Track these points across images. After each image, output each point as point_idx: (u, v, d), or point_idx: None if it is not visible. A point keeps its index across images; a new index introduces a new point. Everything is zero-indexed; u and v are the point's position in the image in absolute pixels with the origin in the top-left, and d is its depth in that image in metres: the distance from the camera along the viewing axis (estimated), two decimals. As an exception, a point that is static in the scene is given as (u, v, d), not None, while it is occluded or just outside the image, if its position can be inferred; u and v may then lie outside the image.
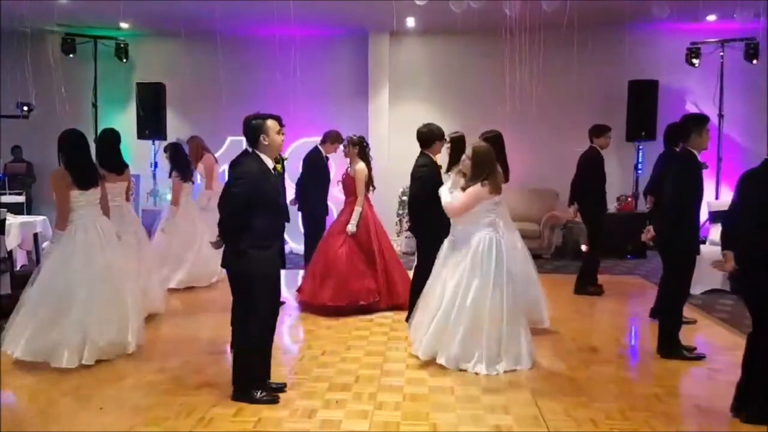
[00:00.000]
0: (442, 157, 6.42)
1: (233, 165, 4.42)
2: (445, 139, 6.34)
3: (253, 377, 4.42)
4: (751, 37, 9.92)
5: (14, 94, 9.74)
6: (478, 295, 4.97)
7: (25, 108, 9.85)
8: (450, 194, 5.21)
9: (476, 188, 5.04)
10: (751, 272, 4.05)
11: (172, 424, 4.08)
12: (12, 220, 7.74)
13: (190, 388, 4.65)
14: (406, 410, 4.30)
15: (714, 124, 10.31)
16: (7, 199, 9.49)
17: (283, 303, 7.15)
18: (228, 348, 5.35)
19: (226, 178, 4.52)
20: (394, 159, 10.23)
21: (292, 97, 10.50)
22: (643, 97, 10.29)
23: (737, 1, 8.38)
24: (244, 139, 4.48)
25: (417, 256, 6.39)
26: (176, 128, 11.03)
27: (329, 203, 8.68)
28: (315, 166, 8.09)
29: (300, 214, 8.23)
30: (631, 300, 7.54)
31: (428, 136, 6.21)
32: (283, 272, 8.43)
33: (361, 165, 6.94)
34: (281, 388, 4.61)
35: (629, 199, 10.52)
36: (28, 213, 9.54)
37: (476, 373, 4.93)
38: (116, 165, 6.24)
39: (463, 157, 5.25)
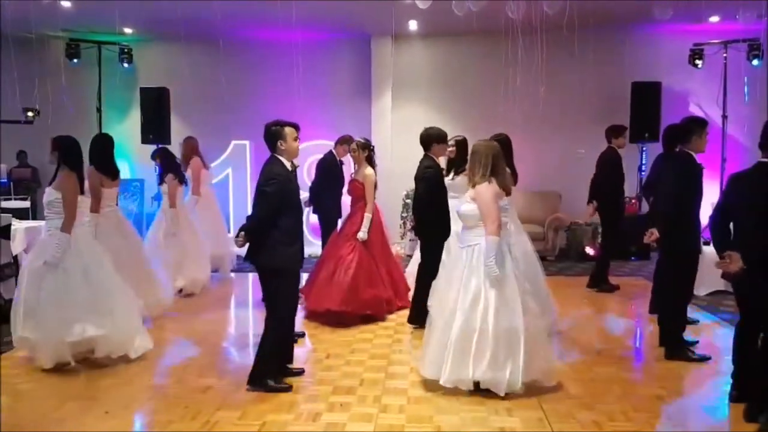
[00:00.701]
0: (443, 160, 6.43)
1: (264, 167, 4.70)
2: (446, 142, 6.35)
3: (272, 366, 4.71)
4: (754, 38, 9.90)
5: (19, 99, 9.78)
6: (499, 310, 4.48)
7: (30, 113, 9.91)
8: (467, 206, 4.74)
9: (485, 188, 4.65)
10: (750, 272, 4.05)
11: (176, 428, 4.09)
12: (17, 225, 7.77)
13: (194, 391, 4.67)
14: (410, 413, 4.31)
15: (718, 125, 10.32)
16: (13, 204, 9.53)
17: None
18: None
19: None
20: (397, 161, 10.25)
21: (295, 101, 10.55)
22: (646, 99, 10.27)
23: (740, 2, 8.37)
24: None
25: (421, 257, 6.39)
26: (180, 132, 11.05)
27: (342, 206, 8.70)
28: (329, 170, 8.14)
29: (316, 216, 8.28)
30: (634, 301, 7.53)
31: (425, 139, 6.29)
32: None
33: (370, 170, 6.81)
34: (300, 372, 5.00)
35: (633, 201, 10.51)
36: (33, 218, 9.57)
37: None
38: (113, 170, 6.31)
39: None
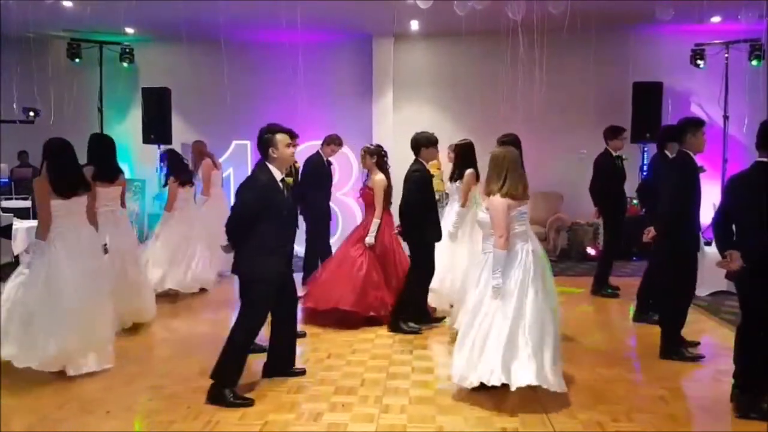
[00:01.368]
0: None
1: (251, 173, 4.67)
2: (435, 147, 6.34)
3: (232, 376, 4.52)
4: (755, 38, 9.89)
5: (20, 99, 9.79)
6: (535, 313, 4.44)
7: (31, 113, 9.93)
8: (483, 214, 4.72)
9: (497, 200, 4.55)
10: (751, 273, 4.06)
11: (178, 428, 4.09)
12: (18, 225, 7.79)
13: (196, 391, 4.65)
14: (412, 413, 4.30)
15: (719, 125, 10.32)
16: (14, 204, 9.54)
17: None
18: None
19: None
20: (399, 162, 10.11)
21: (297, 102, 10.55)
22: (647, 99, 10.25)
23: (741, 2, 8.37)
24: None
25: (411, 263, 6.37)
26: (181, 133, 11.07)
27: (332, 206, 8.69)
28: (315, 170, 8.13)
29: (302, 217, 8.25)
30: (636, 302, 7.50)
31: (413, 144, 6.34)
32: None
33: (380, 176, 6.68)
34: (302, 372, 5.04)
35: (635, 202, 10.49)
36: (34, 218, 9.57)
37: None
38: (110, 171, 6.18)
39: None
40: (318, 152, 8.29)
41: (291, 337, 5.07)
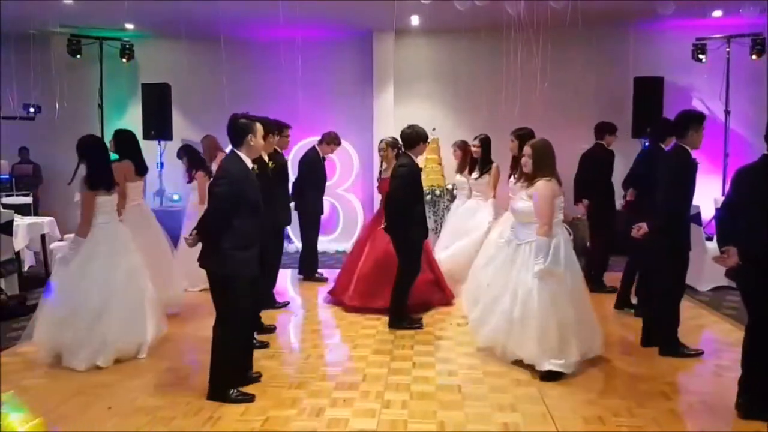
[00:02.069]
0: (422, 158, 6.42)
1: (221, 163, 4.53)
2: (426, 142, 6.34)
3: (230, 377, 4.48)
4: (757, 32, 9.87)
5: (20, 95, 9.79)
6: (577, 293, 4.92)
7: (32, 109, 9.93)
8: (523, 203, 4.91)
9: (544, 186, 4.77)
10: (753, 268, 4.01)
11: (179, 424, 4.10)
12: (19, 222, 7.78)
13: (197, 387, 4.66)
14: (413, 408, 4.31)
15: (721, 120, 10.29)
16: (14, 200, 9.54)
17: (287, 303, 7.18)
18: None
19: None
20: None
21: (297, 98, 10.53)
22: (648, 94, 10.22)
23: (743, -4, 8.35)
24: None
25: (398, 258, 6.26)
26: (182, 129, 11.07)
27: (325, 202, 8.74)
28: (311, 167, 8.17)
29: (297, 213, 8.29)
30: (635, 297, 7.50)
31: (413, 137, 6.21)
32: (286, 272, 8.57)
33: None
34: (258, 378, 4.80)
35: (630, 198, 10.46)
36: (35, 214, 9.58)
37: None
38: (144, 166, 6.35)
39: (524, 158, 5.05)
40: (314, 149, 8.32)
41: (248, 340, 4.90)
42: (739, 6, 8.70)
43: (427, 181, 9.57)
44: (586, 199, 7.63)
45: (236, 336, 4.49)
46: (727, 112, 10.28)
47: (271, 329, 6.09)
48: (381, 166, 7.03)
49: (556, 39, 9.19)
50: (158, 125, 10.66)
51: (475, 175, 7.47)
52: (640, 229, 5.43)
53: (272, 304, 6.88)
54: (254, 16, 9.73)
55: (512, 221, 5.44)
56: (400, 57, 11.25)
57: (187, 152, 7.98)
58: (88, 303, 5.04)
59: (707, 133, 5.45)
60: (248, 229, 4.35)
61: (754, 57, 9.99)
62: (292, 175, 8.26)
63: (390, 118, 11.05)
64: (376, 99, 11.16)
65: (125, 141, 6.28)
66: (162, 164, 11.04)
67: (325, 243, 10.81)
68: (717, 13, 9.92)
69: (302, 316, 6.88)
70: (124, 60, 11.10)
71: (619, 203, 7.71)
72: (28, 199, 9.98)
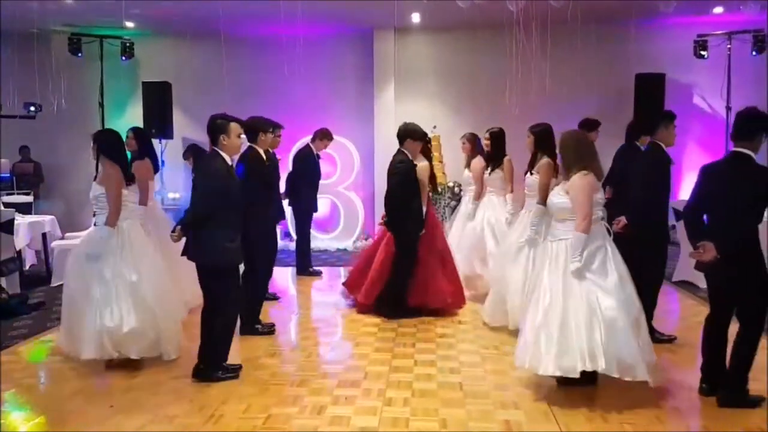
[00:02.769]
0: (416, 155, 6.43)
1: (203, 162, 4.72)
2: (422, 140, 6.34)
3: (220, 360, 4.79)
4: (758, 29, 9.86)
5: (21, 94, 9.78)
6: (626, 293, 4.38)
7: (32, 108, 9.92)
8: (559, 198, 4.58)
9: (580, 180, 4.40)
10: (724, 264, 4.03)
11: (182, 421, 4.09)
12: (20, 220, 7.78)
13: (199, 385, 4.66)
14: (415, 406, 4.30)
15: (722, 116, 10.28)
16: (15, 198, 9.54)
17: (278, 298, 7.20)
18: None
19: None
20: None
21: (297, 96, 10.53)
22: (650, 91, 10.22)
23: (744, -7, 8.34)
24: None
25: (396, 253, 6.34)
26: (182, 127, 11.06)
27: (326, 200, 8.78)
28: (305, 163, 8.22)
29: (291, 209, 8.33)
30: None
31: (400, 134, 6.36)
32: (281, 269, 8.56)
33: (424, 163, 6.59)
34: (236, 369, 4.91)
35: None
36: (36, 213, 9.58)
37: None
38: (156, 164, 6.43)
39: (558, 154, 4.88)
40: (308, 146, 8.35)
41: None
42: (740, 3, 8.69)
43: (427, 179, 9.52)
44: None
45: (232, 323, 4.85)
46: (728, 109, 10.26)
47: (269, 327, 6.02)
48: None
49: (558, 36, 9.17)
50: (159, 124, 10.66)
51: (488, 170, 7.36)
52: (620, 222, 5.43)
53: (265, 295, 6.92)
54: (255, 14, 9.72)
55: (533, 219, 5.56)
56: (401, 54, 11.23)
57: (193, 152, 7.97)
58: (103, 295, 4.88)
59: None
60: (233, 223, 4.62)
61: (755, 53, 9.98)
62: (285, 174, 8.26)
63: (391, 116, 11.03)
64: (376, 97, 11.15)
65: (146, 139, 6.34)
66: (163, 162, 11.02)
67: (326, 241, 10.83)
68: (718, 10, 9.92)
69: (302, 314, 6.88)
70: (124, 58, 11.08)
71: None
72: (29, 198, 9.99)
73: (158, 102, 10.73)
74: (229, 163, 4.69)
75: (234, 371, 4.83)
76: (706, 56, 10.33)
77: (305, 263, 8.64)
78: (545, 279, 4.44)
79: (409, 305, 6.44)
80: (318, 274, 8.58)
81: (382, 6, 9.38)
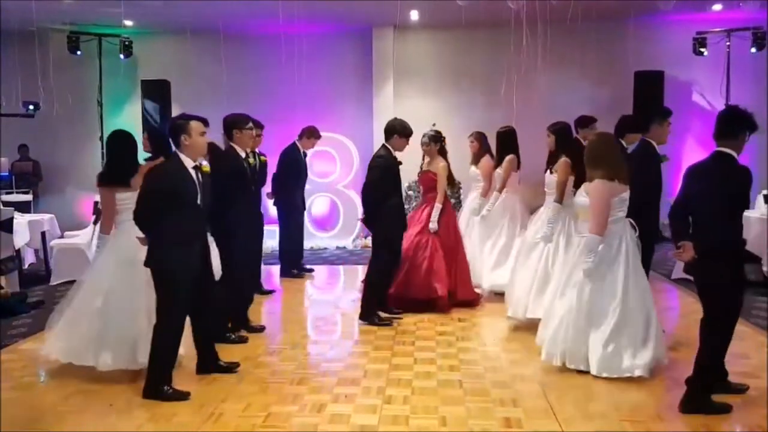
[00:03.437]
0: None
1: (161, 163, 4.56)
2: (407, 138, 6.27)
3: (164, 374, 4.42)
4: (757, 26, 9.85)
5: (20, 93, 9.77)
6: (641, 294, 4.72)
7: (31, 107, 9.91)
8: (582, 198, 4.79)
9: (599, 185, 4.61)
10: (710, 264, 4.01)
11: (181, 420, 4.09)
12: (19, 219, 7.78)
13: (199, 383, 4.66)
14: (415, 404, 4.30)
15: (721, 114, 10.26)
16: (14, 197, 9.54)
17: (272, 292, 7.19)
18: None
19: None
20: (399, 155, 10.18)
21: (296, 94, 10.52)
22: (649, 88, 10.22)
23: (743, -10, 8.34)
24: None
25: (372, 251, 6.25)
26: (181, 125, 11.04)
27: (325, 198, 8.72)
28: (291, 161, 8.15)
29: (276, 207, 8.29)
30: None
31: (387, 129, 6.28)
32: (275, 267, 8.53)
33: (443, 162, 6.65)
34: (230, 367, 4.83)
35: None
36: (35, 211, 9.58)
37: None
38: None
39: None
40: (294, 144, 8.29)
41: (210, 332, 4.88)
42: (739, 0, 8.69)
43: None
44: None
45: (172, 333, 4.44)
46: (727, 107, 10.26)
47: (258, 329, 5.94)
48: (423, 160, 6.90)
49: (557, 34, 9.16)
50: (158, 122, 10.63)
51: (499, 169, 7.35)
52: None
53: (259, 289, 6.95)
54: (254, 12, 9.72)
55: (550, 217, 5.64)
56: (400, 52, 11.23)
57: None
58: (106, 300, 4.78)
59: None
60: (186, 226, 4.35)
61: (754, 50, 9.99)
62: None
63: (390, 114, 10.97)
64: (375, 94, 11.15)
65: (157, 138, 6.18)
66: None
67: (325, 239, 10.82)
68: (717, 7, 9.91)
69: (302, 312, 6.89)
70: (123, 56, 11.06)
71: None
72: (28, 197, 9.99)
73: (158, 100, 10.72)
74: (191, 164, 4.41)
75: (182, 391, 4.43)
76: (705, 53, 10.33)
77: (290, 264, 8.35)
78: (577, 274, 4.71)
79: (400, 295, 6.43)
80: (310, 271, 8.46)
81: (381, 4, 9.38)
